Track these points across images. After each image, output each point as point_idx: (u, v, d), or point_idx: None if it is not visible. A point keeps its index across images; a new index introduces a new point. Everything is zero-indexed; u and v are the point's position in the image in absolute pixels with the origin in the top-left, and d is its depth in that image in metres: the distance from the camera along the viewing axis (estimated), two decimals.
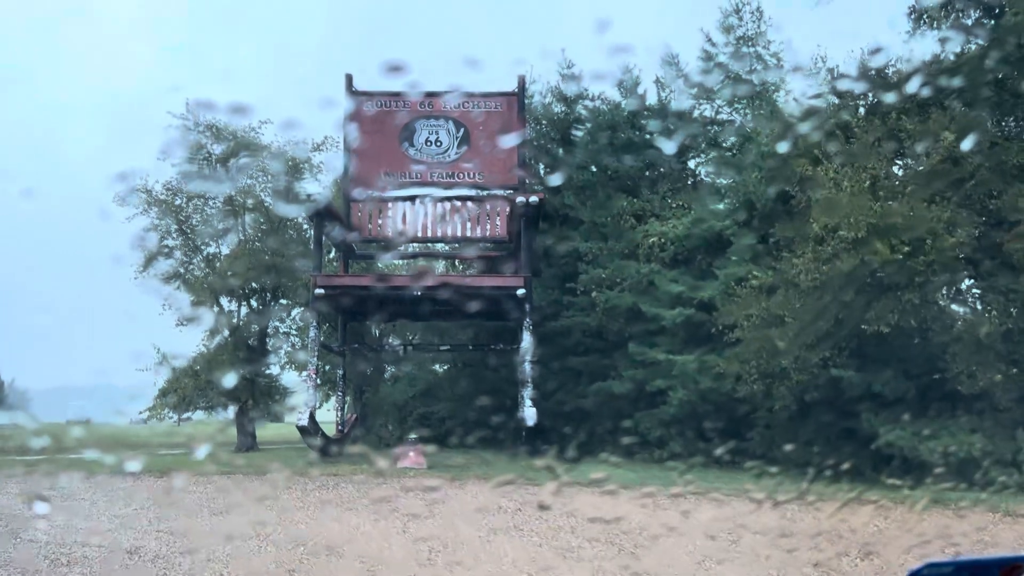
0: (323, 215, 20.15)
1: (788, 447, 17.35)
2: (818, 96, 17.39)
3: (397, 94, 24.47)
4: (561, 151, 26.81)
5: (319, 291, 19.52)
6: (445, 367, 30.89)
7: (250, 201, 29.26)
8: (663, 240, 20.60)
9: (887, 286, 13.31)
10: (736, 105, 22.19)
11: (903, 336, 14.15)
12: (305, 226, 31.23)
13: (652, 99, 24.66)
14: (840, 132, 15.09)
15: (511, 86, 24.37)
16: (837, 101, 16.60)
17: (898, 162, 15.29)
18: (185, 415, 36.42)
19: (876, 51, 16.41)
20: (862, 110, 16.11)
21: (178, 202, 28.82)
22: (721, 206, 21.13)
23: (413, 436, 19.08)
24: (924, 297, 13.23)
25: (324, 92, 24.09)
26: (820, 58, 17.16)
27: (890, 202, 13.31)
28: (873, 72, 16.47)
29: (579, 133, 26.97)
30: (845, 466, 16.45)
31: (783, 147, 17.30)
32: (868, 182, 13.57)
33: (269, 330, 30.42)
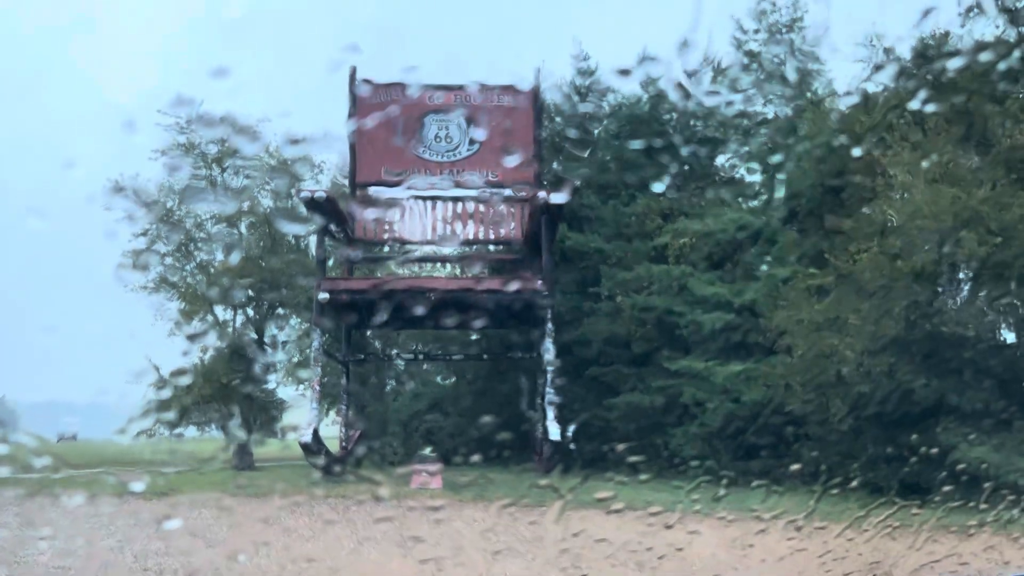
0: (326, 212, 18.55)
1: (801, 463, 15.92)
2: (871, 80, 15.88)
3: (404, 87, 22.98)
4: (578, 150, 25.31)
5: (323, 296, 17.90)
6: (450, 380, 29.29)
7: (246, 203, 27.71)
8: (694, 239, 19.04)
9: (972, 282, 11.79)
10: (771, 96, 20.68)
11: (986, 340, 12.62)
12: (303, 233, 29.74)
13: (677, 92, 23.19)
14: (910, 116, 13.59)
15: (525, 82, 22.94)
16: (895, 85, 15.09)
17: (968, 147, 13.74)
18: (177, 431, 34.55)
19: (942, 33, 14.93)
20: (922, 93, 14.59)
21: (169, 204, 27.28)
22: (755, 203, 19.65)
23: (427, 452, 17.41)
24: (1020, 295, 11.67)
25: (332, 97, 22.45)
26: (876, 37, 15.65)
27: (974, 189, 11.78)
28: (934, 53, 14.97)
29: (598, 130, 25.53)
30: (854, 480, 15.05)
31: (836, 136, 15.79)
32: (950, 164, 12.06)
33: (267, 341, 28.82)
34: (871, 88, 16.33)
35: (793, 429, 16.58)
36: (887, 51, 15.60)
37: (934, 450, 13.55)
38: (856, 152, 14.60)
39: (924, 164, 12.09)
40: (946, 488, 13.45)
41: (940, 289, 12.65)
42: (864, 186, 14.67)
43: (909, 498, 13.84)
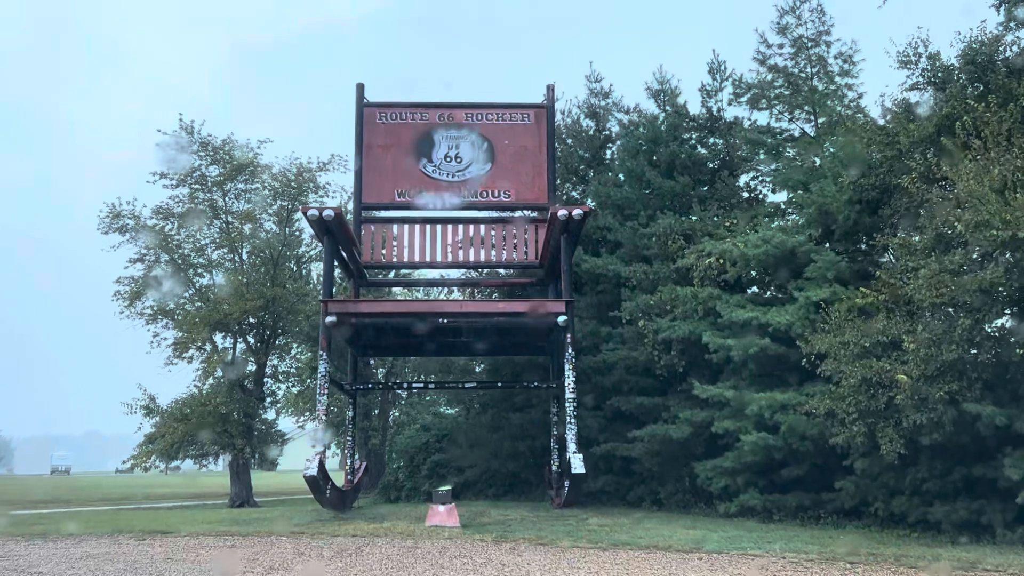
0: (333, 231, 17.54)
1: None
2: (917, 88, 14.96)
3: (414, 105, 22.12)
4: (592, 172, 24.44)
5: (330, 319, 16.82)
6: (455, 409, 28.17)
7: (248, 227, 26.77)
8: (722, 260, 18.03)
9: None
10: (798, 111, 19.79)
11: None
12: (305, 258, 28.80)
13: (697, 109, 22.36)
14: (969, 122, 12.62)
15: (537, 100, 22.12)
16: (946, 93, 14.16)
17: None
18: (173, 464, 33.27)
19: (991, 38, 14.04)
20: (978, 100, 13.64)
21: (169, 228, 26.31)
22: (782, 222, 18.65)
23: (444, 489, 16.26)
24: None
25: (343, 121, 21.70)
26: (921, 42, 14.74)
27: None
28: (984, 60, 14.09)
29: (613, 150, 24.69)
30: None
31: (878, 149, 14.85)
32: (1022, 170, 11.07)
33: (267, 370, 27.74)
34: (912, 98, 15.47)
35: (835, 462, 15.49)
36: (932, 58, 14.71)
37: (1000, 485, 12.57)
38: (902, 163, 13.65)
39: (995, 170, 11.10)
40: (1014, 528, 12.37)
41: (1009, 307, 11.59)
42: (914, 198, 13.71)
43: (971, 537, 12.72)
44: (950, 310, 12.03)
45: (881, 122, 15.66)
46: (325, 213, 16.97)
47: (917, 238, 13.58)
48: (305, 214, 17.37)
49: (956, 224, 11.26)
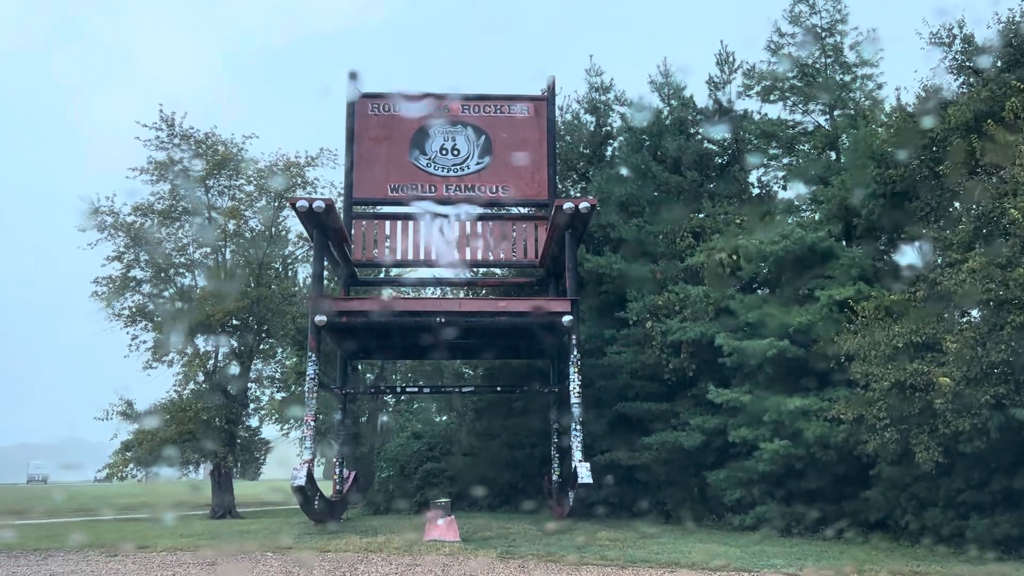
0: (324, 224, 16.46)
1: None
2: (948, 73, 14.07)
3: (408, 95, 21.08)
4: (593, 169, 23.43)
5: (320, 318, 15.75)
6: (446, 416, 27.07)
7: (232, 223, 25.58)
8: (735, 257, 17.06)
9: None
10: (812, 103, 18.86)
11: None
12: (292, 258, 27.65)
13: (704, 102, 21.41)
14: (1018, 104, 11.71)
15: (536, 92, 21.19)
16: (984, 76, 13.28)
17: None
18: (152, 472, 31.96)
19: None
20: (1015, 82, 12.75)
21: (148, 225, 25.08)
22: (797, 217, 17.72)
23: (443, 500, 15.17)
24: None
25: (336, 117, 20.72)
26: (956, 23, 13.86)
27: None
28: (1021, 42, 13.21)
29: (614, 146, 23.68)
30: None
31: (910, 139, 13.94)
32: None
33: (251, 375, 26.53)
34: (945, 84, 14.56)
35: (858, 471, 14.53)
36: (966, 40, 13.81)
37: None
38: (932, 152, 12.74)
39: None
40: None
41: None
42: (947, 188, 12.80)
43: (1012, 554, 11.74)
44: (1001, 305, 11.07)
45: (910, 109, 14.69)
46: (316, 204, 15.90)
47: (949, 232, 12.67)
48: (294, 206, 16.31)
49: (1011, 211, 10.33)
